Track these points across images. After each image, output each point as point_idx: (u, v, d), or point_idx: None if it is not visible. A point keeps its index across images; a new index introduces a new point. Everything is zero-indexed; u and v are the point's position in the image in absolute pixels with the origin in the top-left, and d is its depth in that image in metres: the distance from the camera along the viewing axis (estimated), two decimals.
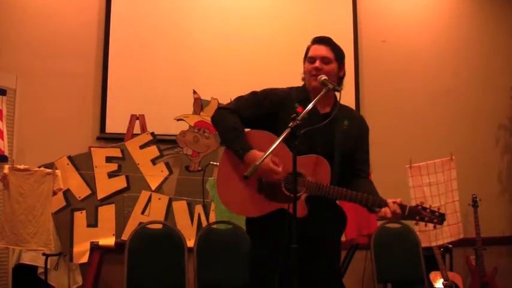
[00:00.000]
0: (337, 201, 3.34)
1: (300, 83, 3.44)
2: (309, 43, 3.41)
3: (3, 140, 4.91)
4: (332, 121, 3.19)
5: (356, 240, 5.39)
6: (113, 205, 5.02)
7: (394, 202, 3.04)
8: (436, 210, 3.06)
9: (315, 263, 3.14)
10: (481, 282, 6.01)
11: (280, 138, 2.79)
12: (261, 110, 3.29)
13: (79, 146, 5.31)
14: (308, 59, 3.32)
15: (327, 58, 3.28)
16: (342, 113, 3.30)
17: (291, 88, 3.42)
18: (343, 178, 3.22)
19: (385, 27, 6.84)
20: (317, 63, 3.26)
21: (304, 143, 2.98)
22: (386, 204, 3.05)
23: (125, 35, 5.90)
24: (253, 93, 3.38)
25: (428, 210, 3.05)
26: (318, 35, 3.40)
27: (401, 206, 3.04)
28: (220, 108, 3.38)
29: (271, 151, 2.77)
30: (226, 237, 4.93)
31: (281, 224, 2.93)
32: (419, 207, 3.06)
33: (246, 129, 3.28)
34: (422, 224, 5.27)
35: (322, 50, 3.30)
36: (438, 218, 3.06)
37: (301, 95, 3.34)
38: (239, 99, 3.40)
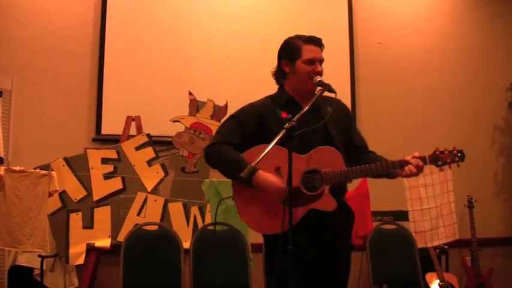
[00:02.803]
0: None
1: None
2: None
3: None
4: (319, 113, 3.21)
5: (352, 242, 5.38)
6: (109, 206, 5.02)
7: (413, 157, 3.09)
8: (453, 149, 3.11)
9: (330, 261, 3.15)
10: (476, 283, 6.02)
11: (276, 140, 2.79)
12: (247, 131, 3.26)
13: (75, 147, 5.30)
14: (306, 61, 3.26)
15: (323, 61, 3.30)
16: (323, 102, 3.30)
17: (267, 97, 3.40)
18: (351, 161, 3.23)
19: (380, 29, 6.84)
20: (319, 67, 3.25)
21: (300, 142, 2.97)
22: (407, 162, 3.08)
23: (120, 36, 5.89)
24: (232, 118, 3.36)
25: (446, 152, 3.10)
26: (309, 35, 3.37)
27: (422, 158, 3.09)
28: (209, 146, 3.32)
29: (267, 152, 2.76)
30: (223, 239, 4.92)
31: (314, 227, 2.99)
32: (437, 152, 3.11)
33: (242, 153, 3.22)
34: (418, 224, 5.31)
35: (320, 53, 3.31)
36: (458, 155, 3.10)
37: (281, 99, 3.34)
38: (221, 129, 3.38)
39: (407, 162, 3.08)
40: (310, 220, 3.07)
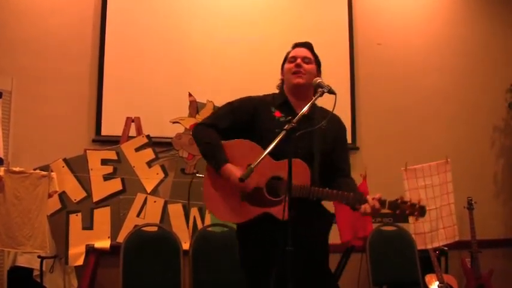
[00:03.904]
0: (326, 203, 3.35)
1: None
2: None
3: None
4: (311, 122, 3.21)
5: (351, 243, 5.39)
6: (109, 208, 5.02)
7: (373, 198, 3.03)
8: (417, 203, 3.04)
9: (304, 264, 3.13)
10: (476, 284, 6.02)
11: (276, 141, 2.80)
12: (237, 117, 3.34)
13: (74, 148, 5.30)
14: (289, 59, 3.39)
15: (307, 58, 3.36)
16: (320, 114, 3.32)
17: (267, 94, 3.46)
18: (324, 178, 3.24)
19: (380, 29, 6.84)
20: (298, 60, 3.32)
21: (283, 144, 2.99)
22: (366, 201, 3.04)
23: (120, 38, 5.89)
24: (228, 104, 3.43)
25: (408, 203, 3.03)
26: (316, 40, 3.46)
27: (381, 201, 3.03)
28: (198, 124, 3.44)
29: (268, 152, 2.79)
30: (222, 240, 4.93)
31: (268, 228, 3.04)
32: (399, 200, 3.04)
33: (224, 141, 3.30)
34: (418, 226, 5.31)
35: (303, 51, 3.38)
36: (419, 210, 3.04)
37: (278, 99, 3.39)
38: (215, 111, 3.52)
39: (365, 201, 3.04)
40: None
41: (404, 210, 3.04)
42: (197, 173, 5.28)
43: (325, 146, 3.29)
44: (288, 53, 3.44)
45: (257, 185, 3.15)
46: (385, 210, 3.03)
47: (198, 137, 3.35)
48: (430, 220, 5.42)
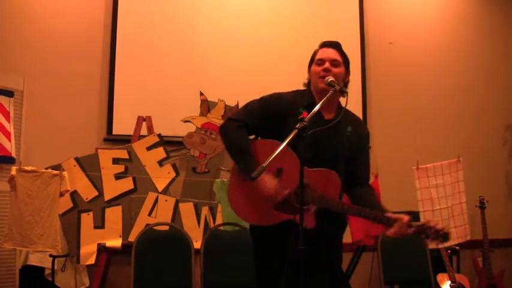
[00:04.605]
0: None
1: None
2: (315, 45, 3.43)
3: (10, 141, 4.92)
4: (336, 127, 3.21)
5: (363, 242, 5.38)
6: (120, 207, 5.02)
7: (402, 222, 3.03)
8: (441, 229, 3.04)
9: (317, 261, 3.13)
10: (488, 284, 6.00)
11: (287, 140, 2.78)
12: (268, 116, 3.29)
13: (86, 147, 5.31)
14: (316, 61, 3.32)
15: (336, 61, 3.30)
16: (345, 119, 3.30)
17: (297, 92, 3.42)
18: (345, 184, 3.25)
19: (391, 28, 6.84)
20: (326, 64, 3.26)
21: (309, 149, 2.99)
22: (391, 226, 3.05)
23: (131, 37, 5.90)
24: (261, 100, 3.38)
25: (433, 229, 3.03)
26: (326, 39, 3.41)
27: (409, 226, 3.03)
28: (229, 120, 3.37)
29: (277, 153, 2.75)
30: (233, 239, 4.93)
31: (289, 235, 2.97)
32: (425, 226, 3.04)
33: (255, 140, 3.30)
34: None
35: (331, 53, 3.31)
36: (442, 237, 3.04)
37: (306, 99, 3.34)
38: (247, 106, 3.40)
39: (391, 226, 3.05)
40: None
41: (428, 236, 3.05)
42: (209, 171, 5.29)
43: (349, 154, 3.29)
44: (315, 53, 3.38)
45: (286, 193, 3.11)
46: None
47: (228, 137, 3.31)
48: (442, 219, 5.40)
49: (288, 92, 3.41)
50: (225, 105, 5.47)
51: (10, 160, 4.89)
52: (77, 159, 4.99)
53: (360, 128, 3.44)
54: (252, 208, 3.21)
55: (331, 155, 3.22)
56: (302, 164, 2.82)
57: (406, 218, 3.04)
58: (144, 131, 5.33)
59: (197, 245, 4.90)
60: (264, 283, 3.28)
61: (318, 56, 3.34)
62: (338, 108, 3.35)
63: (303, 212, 2.80)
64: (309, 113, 3.06)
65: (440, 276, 5.64)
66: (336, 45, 3.37)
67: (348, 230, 4.85)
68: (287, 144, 2.79)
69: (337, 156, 3.23)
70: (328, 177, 3.13)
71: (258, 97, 3.40)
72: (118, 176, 5.06)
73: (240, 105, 5.36)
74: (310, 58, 3.43)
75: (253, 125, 3.29)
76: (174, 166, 5.22)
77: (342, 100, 3.30)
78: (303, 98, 3.35)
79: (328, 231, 3.25)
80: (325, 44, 3.38)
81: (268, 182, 3.08)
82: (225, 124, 3.38)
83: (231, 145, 3.29)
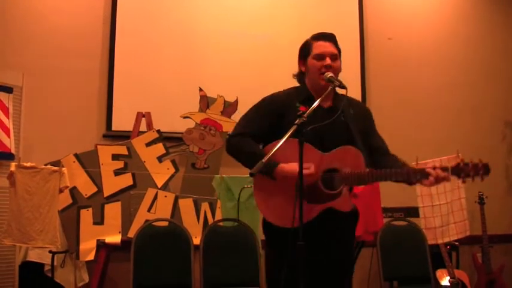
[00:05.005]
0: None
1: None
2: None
3: (9, 137, 4.92)
4: (334, 110, 3.20)
5: (362, 238, 5.37)
6: (119, 203, 5.02)
7: (434, 168, 2.99)
8: (479, 162, 2.99)
9: (329, 257, 3.13)
10: (487, 279, 6.00)
11: (286, 136, 2.79)
12: (266, 120, 3.28)
13: (85, 143, 5.32)
14: (315, 56, 3.27)
15: (334, 54, 3.27)
16: (345, 103, 3.27)
17: (291, 89, 3.41)
18: (369, 161, 3.21)
19: (390, 24, 6.84)
20: (328, 61, 3.23)
21: (314, 140, 2.98)
22: (426, 174, 2.99)
23: (131, 33, 5.90)
24: (255, 108, 3.37)
25: (470, 164, 2.98)
26: (320, 32, 3.37)
27: (443, 169, 2.98)
28: (230, 137, 3.35)
29: (278, 148, 2.77)
30: (233, 235, 4.93)
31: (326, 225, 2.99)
32: (461, 164, 2.99)
33: (269, 144, 3.22)
34: (428, 221, 5.29)
35: (329, 47, 3.28)
36: (483, 169, 2.98)
37: (302, 94, 3.33)
38: (243, 119, 3.38)
39: (428, 174, 2.98)
40: (323, 218, 3.07)
41: (468, 172, 2.99)
42: (208, 167, 5.30)
43: (360, 128, 3.26)
44: (310, 45, 3.32)
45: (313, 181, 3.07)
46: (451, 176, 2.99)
47: (236, 150, 3.28)
48: (441, 215, 5.41)
49: (280, 91, 3.40)
50: (224, 101, 5.47)
51: (9, 156, 4.89)
52: (76, 156, 4.99)
53: (361, 109, 3.45)
54: (285, 211, 3.04)
55: (344, 135, 3.19)
56: (301, 163, 2.80)
57: (436, 161, 3.02)
58: (143, 127, 5.33)
59: (196, 241, 4.90)
60: (275, 277, 3.22)
61: (316, 51, 3.28)
62: (335, 94, 3.33)
63: (302, 210, 2.77)
64: (305, 107, 3.09)
65: (439, 272, 5.64)
66: (332, 38, 3.33)
67: None
68: (287, 139, 2.79)
69: (352, 134, 3.19)
70: (349, 152, 3.10)
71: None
72: (117, 172, 5.07)
73: (239, 101, 5.38)
74: (301, 49, 3.39)
75: (255, 132, 3.26)
76: (173, 162, 5.22)
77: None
78: (298, 93, 3.34)
79: (342, 229, 3.24)
80: (321, 37, 3.32)
81: (289, 166, 3.02)
82: (229, 143, 3.35)
83: (242, 158, 3.26)
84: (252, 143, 3.23)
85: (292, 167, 2.96)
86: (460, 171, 2.99)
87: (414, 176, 3.04)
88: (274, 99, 3.34)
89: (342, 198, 3.05)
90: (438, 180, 2.99)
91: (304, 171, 2.87)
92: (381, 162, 3.24)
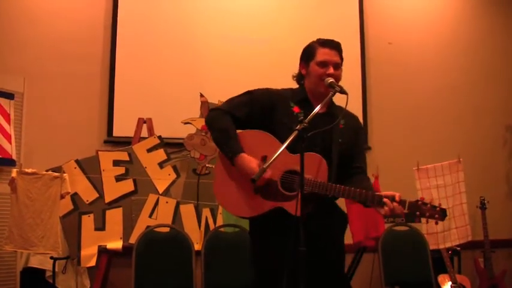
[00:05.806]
0: (338, 201, 3.33)
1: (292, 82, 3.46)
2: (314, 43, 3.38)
3: (11, 143, 4.92)
4: (330, 120, 3.18)
5: (364, 243, 5.37)
6: (121, 208, 5.02)
7: (392, 201, 2.98)
8: (437, 205, 3.01)
9: (317, 263, 3.12)
10: (489, 285, 5.99)
11: (288, 141, 2.78)
12: (254, 109, 3.28)
13: (86, 149, 5.32)
14: (319, 63, 3.25)
15: (338, 64, 3.27)
16: (337, 112, 3.28)
17: (288, 89, 3.41)
18: (341, 176, 3.20)
19: (391, 29, 6.84)
20: (331, 70, 3.22)
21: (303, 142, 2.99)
22: (383, 203, 2.99)
23: (132, 38, 5.91)
24: (247, 93, 3.39)
25: (428, 205, 3.00)
26: (326, 38, 3.34)
27: (401, 202, 2.99)
28: (213, 110, 3.39)
29: (279, 154, 2.76)
30: (234, 241, 4.93)
31: (282, 223, 2.98)
32: (420, 202, 3.01)
33: (239, 131, 3.27)
34: (430, 226, 5.28)
35: (334, 56, 3.27)
36: (439, 213, 3.01)
37: (298, 95, 3.33)
38: (232, 99, 3.40)
39: (384, 204, 2.98)
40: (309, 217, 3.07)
41: (424, 212, 3.01)
42: (210, 173, 5.29)
43: (343, 144, 3.24)
44: (315, 49, 3.31)
45: (271, 178, 3.09)
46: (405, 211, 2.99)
47: (212, 123, 3.31)
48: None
49: (277, 88, 3.41)
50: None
51: (11, 162, 4.90)
52: (77, 161, 5.00)
53: (353, 122, 3.43)
54: (238, 199, 3.19)
55: (324, 146, 3.17)
56: (302, 168, 2.80)
57: (397, 194, 3.02)
58: (144, 132, 5.33)
59: (198, 246, 4.91)
60: (263, 284, 3.25)
61: (320, 57, 3.26)
62: (330, 102, 3.31)
63: (302, 215, 2.76)
64: (300, 108, 3.14)
65: (441, 277, 5.63)
66: (338, 47, 3.31)
67: (348, 231, 4.85)
68: (286, 143, 2.79)
69: (330, 148, 3.19)
70: (315, 161, 3.09)
71: None
72: (118, 178, 5.06)
73: None
74: (305, 51, 3.39)
75: (238, 115, 3.27)
76: (174, 168, 5.22)
77: (341, 98, 3.26)
78: (294, 93, 3.35)
79: (329, 232, 3.24)
80: (328, 44, 3.30)
81: (250, 160, 3.08)
82: (209, 114, 3.39)
83: (214, 131, 3.30)
84: (230, 123, 3.24)
85: (251, 161, 3.07)
86: (417, 209, 3.01)
87: (371, 201, 3.04)
88: (269, 93, 3.35)
89: (294, 202, 3.02)
90: (393, 212, 3.00)
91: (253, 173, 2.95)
92: (351, 180, 3.24)
